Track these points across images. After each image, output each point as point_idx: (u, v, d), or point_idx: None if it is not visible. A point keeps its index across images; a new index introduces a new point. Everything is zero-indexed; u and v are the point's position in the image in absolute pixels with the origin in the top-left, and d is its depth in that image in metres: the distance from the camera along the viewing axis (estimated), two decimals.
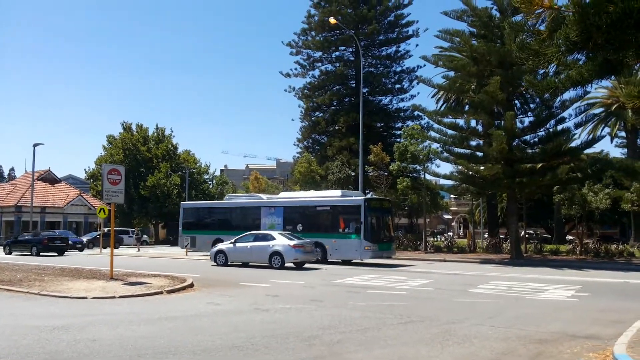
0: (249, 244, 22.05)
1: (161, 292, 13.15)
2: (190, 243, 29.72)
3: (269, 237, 21.78)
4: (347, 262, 24.65)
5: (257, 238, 22.26)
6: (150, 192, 48.19)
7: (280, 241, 21.28)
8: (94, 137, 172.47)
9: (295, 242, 21.28)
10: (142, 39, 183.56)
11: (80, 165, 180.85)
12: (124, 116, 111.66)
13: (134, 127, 52.68)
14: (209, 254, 25.27)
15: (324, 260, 24.35)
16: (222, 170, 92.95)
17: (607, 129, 43.85)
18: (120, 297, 12.46)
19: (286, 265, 20.96)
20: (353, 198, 25.43)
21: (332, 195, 26.79)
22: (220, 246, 23.21)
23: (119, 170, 16.46)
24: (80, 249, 36.52)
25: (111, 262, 16.50)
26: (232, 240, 22.84)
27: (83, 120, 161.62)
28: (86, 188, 55.02)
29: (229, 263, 22.43)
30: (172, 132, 54.51)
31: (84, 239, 40.15)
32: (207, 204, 34.32)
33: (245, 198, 30.93)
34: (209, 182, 58.16)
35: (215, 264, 22.79)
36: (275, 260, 21.04)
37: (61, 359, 6.68)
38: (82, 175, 58.33)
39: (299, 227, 25.68)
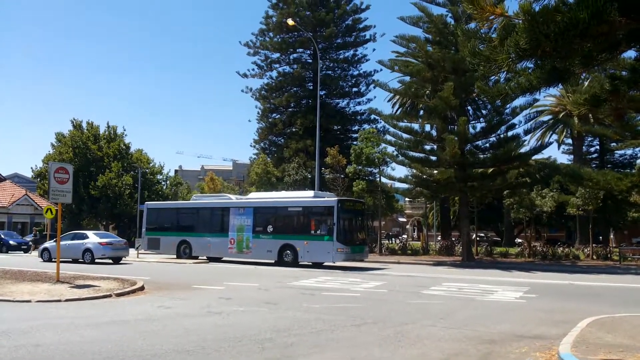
0: (67, 242, 24.74)
1: (110, 296, 12.79)
2: (154, 245, 28.82)
3: (84, 236, 25.20)
4: (317, 265, 24.21)
5: (75, 237, 25.50)
6: (101, 192, 46.72)
7: (92, 239, 24.65)
8: (42, 134, 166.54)
9: (104, 240, 24.79)
10: (94, 35, 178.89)
11: (26, 163, 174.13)
12: (74, 113, 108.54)
13: (84, 125, 50.98)
14: (174, 255, 27.91)
15: (294, 263, 23.75)
16: (176, 171, 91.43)
17: (554, 136, 45.52)
18: (67, 300, 12.05)
19: (96, 260, 24.19)
20: (326, 199, 24.73)
21: (304, 196, 25.94)
22: (46, 244, 26.58)
23: (67, 169, 15.92)
24: (26, 251, 35.12)
25: (57, 264, 15.93)
26: (54, 240, 24.78)
27: (30, 116, 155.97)
28: (33, 187, 52.88)
29: (52, 259, 23.67)
30: (124, 130, 53.09)
31: (29, 239, 38.57)
32: (172, 204, 33.12)
33: (213, 198, 29.94)
34: (163, 183, 56.97)
35: (42, 259, 25.63)
36: (87, 256, 24.26)
37: None
38: (29, 174, 56.00)
39: (269, 228, 25.04)
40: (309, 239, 23.77)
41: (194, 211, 28.74)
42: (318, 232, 23.67)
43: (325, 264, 24.39)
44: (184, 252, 27.59)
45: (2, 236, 35.85)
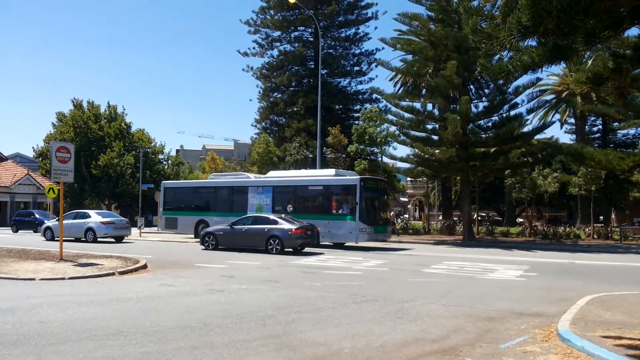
0: (70, 221, 24.98)
1: (113, 274, 12.89)
2: (171, 225, 28.67)
3: (87, 216, 25.54)
4: (338, 245, 23.56)
5: (77, 216, 25.88)
6: (103, 172, 46.84)
7: (94, 219, 25.03)
8: (43, 114, 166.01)
9: (106, 219, 25.15)
10: (94, 13, 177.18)
11: (28, 143, 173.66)
12: (75, 92, 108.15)
13: (85, 105, 50.89)
14: (191, 236, 27.57)
15: (315, 244, 22.85)
16: (178, 151, 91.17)
17: (557, 116, 45.31)
18: (70, 278, 12.15)
19: (98, 239, 24.43)
20: (348, 177, 24.24)
21: (325, 174, 25.41)
22: (48, 223, 26.93)
23: (68, 148, 15.95)
24: (35, 230, 35.32)
25: (60, 242, 16.04)
26: (56, 219, 25.86)
27: (31, 96, 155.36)
28: (35, 167, 52.99)
29: (55, 238, 24.27)
30: (124, 110, 52.89)
31: None
32: (190, 183, 32.75)
33: (232, 177, 29.41)
34: (164, 162, 56.98)
35: (45, 238, 25.89)
36: (89, 235, 24.64)
37: (6, 342, 6.45)
38: (31, 154, 56.09)
39: (289, 208, 24.52)
40: (330, 218, 23.13)
41: (212, 190, 28.30)
42: (340, 211, 23.12)
43: (347, 244, 23.83)
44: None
45: (37, 216, 36.09)
